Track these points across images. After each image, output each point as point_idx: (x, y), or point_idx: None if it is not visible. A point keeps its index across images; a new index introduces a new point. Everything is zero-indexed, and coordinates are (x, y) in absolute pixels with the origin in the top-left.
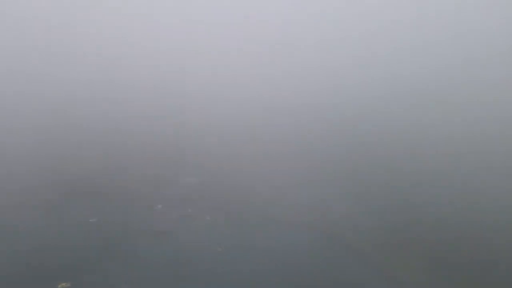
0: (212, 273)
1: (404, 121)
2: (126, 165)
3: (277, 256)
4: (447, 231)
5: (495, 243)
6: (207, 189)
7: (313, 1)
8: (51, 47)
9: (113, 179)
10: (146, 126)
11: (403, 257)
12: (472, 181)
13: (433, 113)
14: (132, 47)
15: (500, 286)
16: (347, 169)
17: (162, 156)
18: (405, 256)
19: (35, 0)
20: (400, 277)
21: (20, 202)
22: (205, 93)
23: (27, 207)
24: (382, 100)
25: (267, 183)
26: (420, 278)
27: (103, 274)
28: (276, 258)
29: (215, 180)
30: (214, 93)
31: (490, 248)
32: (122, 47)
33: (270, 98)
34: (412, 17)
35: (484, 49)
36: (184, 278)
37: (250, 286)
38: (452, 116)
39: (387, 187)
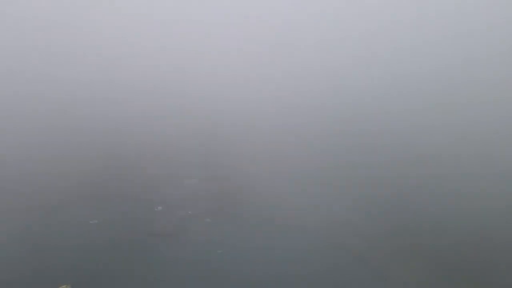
0: (212, 274)
1: (404, 121)
2: (126, 165)
3: (277, 257)
4: (447, 230)
5: (497, 243)
6: (207, 190)
7: (313, 1)
8: (51, 47)
9: (113, 179)
10: (146, 126)
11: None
12: (472, 180)
13: (433, 113)
14: (132, 47)
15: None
16: (347, 169)
17: (162, 156)
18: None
19: (35, 0)
20: (399, 278)
21: (20, 203)
22: (205, 93)
23: (27, 207)
24: (382, 100)
25: (267, 183)
26: (420, 279)
27: (103, 274)
28: (276, 260)
29: (215, 180)
30: (214, 93)
31: (492, 248)
32: (122, 47)
33: (270, 98)
34: (412, 17)
35: (484, 49)
36: (184, 279)
37: (250, 286)
38: (452, 116)
39: (386, 186)
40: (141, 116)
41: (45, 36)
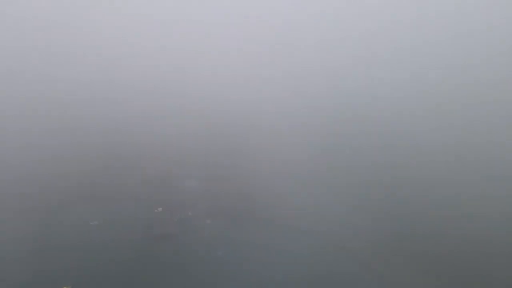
0: (212, 275)
1: (404, 121)
2: (126, 165)
3: (277, 257)
4: (447, 230)
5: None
6: (207, 190)
7: (313, 1)
8: (51, 47)
9: (113, 179)
10: (146, 126)
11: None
12: (472, 181)
13: (433, 113)
14: (132, 47)
15: None
16: (347, 168)
17: (162, 156)
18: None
19: (35, 0)
20: (395, 278)
21: (20, 204)
22: (205, 93)
23: (26, 208)
24: (382, 100)
25: (267, 183)
26: (417, 280)
27: (103, 275)
28: (276, 260)
29: (215, 181)
30: (214, 93)
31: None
32: (122, 47)
33: (270, 98)
34: (412, 17)
35: (484, 49)
36: (184, 279)
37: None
38: (452, 116)
39: (386, 185)
40: (141, 116)
41: (45, 36)
